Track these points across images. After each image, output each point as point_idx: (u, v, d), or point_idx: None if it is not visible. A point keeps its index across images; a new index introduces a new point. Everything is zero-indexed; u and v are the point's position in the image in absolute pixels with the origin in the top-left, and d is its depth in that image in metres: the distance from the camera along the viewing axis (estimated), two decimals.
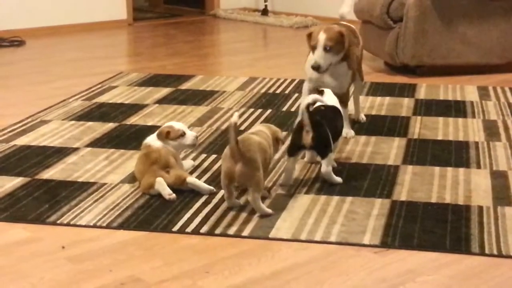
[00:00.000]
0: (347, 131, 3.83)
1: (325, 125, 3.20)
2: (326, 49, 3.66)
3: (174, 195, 3.04)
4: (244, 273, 2.49)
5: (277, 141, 3.15)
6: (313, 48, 3.69)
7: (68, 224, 2.86)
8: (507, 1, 5.31)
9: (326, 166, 3.19)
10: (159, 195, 3.07)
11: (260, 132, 3.09)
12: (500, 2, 5.31)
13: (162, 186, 3.07)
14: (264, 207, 2.92)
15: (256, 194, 2.89)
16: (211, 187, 3.14)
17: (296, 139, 3.19)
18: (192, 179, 3.13)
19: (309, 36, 3.74)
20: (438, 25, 5.28)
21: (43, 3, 7.40)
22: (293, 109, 4.45)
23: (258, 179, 2.88)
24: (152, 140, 3.30)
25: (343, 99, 3.73)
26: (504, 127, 4.09)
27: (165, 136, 3.29)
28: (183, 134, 3.33)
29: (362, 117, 4.18)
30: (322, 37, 3.66)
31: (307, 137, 3.16)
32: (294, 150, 3.20)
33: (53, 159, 3.58)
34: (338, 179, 3.23)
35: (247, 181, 2.89)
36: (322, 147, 3.18)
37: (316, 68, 3.67)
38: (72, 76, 5.48)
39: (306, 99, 3.20)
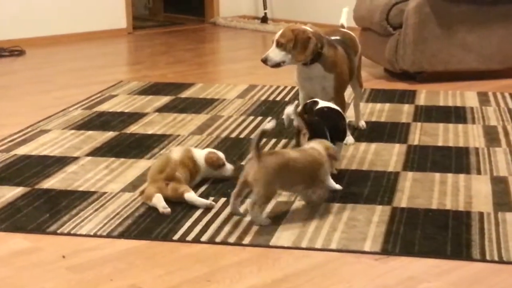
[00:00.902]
0: (346, 138, 3.82)
1: (323, 125, 3.20)
2: (278, 45, 3.61)
3: (168, 209, 3.02)
4: (245, 281, 2.48)
5: (329, 157, 3.07)
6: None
7: (68, 234, 2.86)
8: (506, 7, 5.32)
9: None
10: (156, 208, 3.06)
11: (310, 149, 3.03)
12: (500, 8, 5.31)
13: (158, 200, 3.06)
14: (264, 219, 2.90)
15: (255, 204, 2.88)
16: (208, 202, 3.10)
17: (296, 144, 3.19)
18: (189, 195, 3.09)
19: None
20: (438, 31, 5.28)
21: (43, 12, 7.41)
22: (293, 117, 4.44)
23: (263, 189, 2.86)
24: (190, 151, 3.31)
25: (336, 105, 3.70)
26: (504, 132, 4.09)
27: (211, 162, 3.32)
28: (223, 164, 3.37)
29: (362, 123, 4.19)
30: (277, 34, 3.63)
31: (304, 140, 3.16)
32: None
33: (53, 169, 3.58)
34: (337, 186, 3.23)
35: (254, 187, 2.88)
36: None
37: (263, 60, 3.64)
38: (72, 85, 5.49)
39: (291, 105, 3.20)
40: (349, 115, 4.03)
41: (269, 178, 2.87)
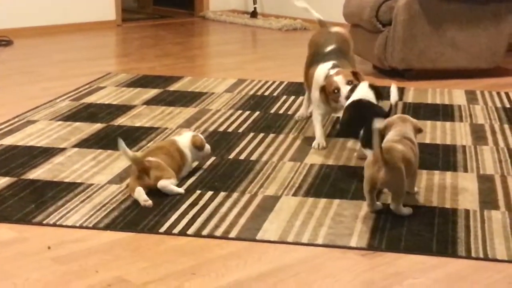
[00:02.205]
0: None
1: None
2: (348, 83, 3.61)
3: (149, 202, 3.01)
4: (230, 275, 2.48)
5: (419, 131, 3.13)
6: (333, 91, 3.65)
7: (54, 225, 2.85)
8: (496, 5, 5.33)
9: None
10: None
11: (404, 140, 3.02)
12: (490, 7, 5.33)
13: (139, 193, 3.05)
14: (404, 210, 2.93)
15: (395, 202, 2.91)
16: (180, 189, 3.14)
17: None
18: (162, 183, 3.11)
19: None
20: (427, 29, 5.29)
21: (31, 3, 7.36)
22: (281, 111, 4.45)
23: (400, 188, 2.89)
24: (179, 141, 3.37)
25: None
26: (491, 131, 4.10)
27: (198, 144, 3.41)
28: (205, 144, 3.47)
29: None
30: (340, 78, 3.63)
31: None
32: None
33: (39, 159, 3.56)
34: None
35: (389, 188, 2.91)
36: None
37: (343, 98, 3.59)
38: (60, 77, 5.46)
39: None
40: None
41: (400, 176, 2.87)
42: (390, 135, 3.06)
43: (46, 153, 3.65)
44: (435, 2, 5.27)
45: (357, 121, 3.35)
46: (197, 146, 3.40)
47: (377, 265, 2.56)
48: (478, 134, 4.04)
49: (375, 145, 2.85)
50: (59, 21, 7.55)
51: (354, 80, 3.63)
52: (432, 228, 2.83)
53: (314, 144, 3.76)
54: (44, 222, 2.87)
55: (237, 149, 3.72)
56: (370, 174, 2.88)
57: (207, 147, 3.48)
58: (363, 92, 3.47)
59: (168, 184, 3.12)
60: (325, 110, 3.81)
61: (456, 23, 5.33)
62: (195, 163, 3.45)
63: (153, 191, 3.08)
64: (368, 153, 3.18)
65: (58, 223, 2.86)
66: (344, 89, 3.58)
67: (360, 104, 3.43)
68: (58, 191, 3.16)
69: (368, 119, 3.11)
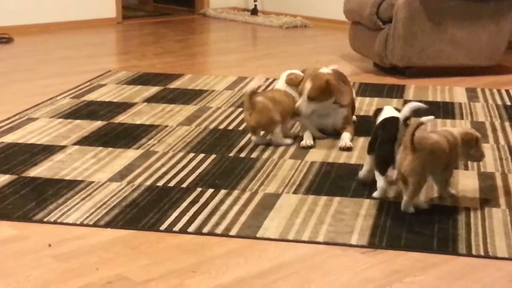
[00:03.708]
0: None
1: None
2: (309, 98, 3.72)
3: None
4: (231, 273, 2.48)
5: (463, 142, 3.04)
6: (300, 93, 3.77)
7: (55, 222, 2.85)
8: (497, 3, 5.33)
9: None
10: None
11: (444, 133, 3.02)
12: (490, 4, 5.32)
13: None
14: (411, 208, 2.93)
15: (408, 196, 2.91)
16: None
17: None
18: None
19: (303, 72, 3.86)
20: (428, 26, 5.29)
21: (31, 0, 7.36)
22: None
23: (418, 179, 2.88)
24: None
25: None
26: (492, 128, 4.10)
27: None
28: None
29: (353, 117, 4.18)
30: (307, 87, 3.72)
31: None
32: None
33: (40, 157, 3.56)
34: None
35: (410, 176, 2.90)
36: None
37: (297, 114, 3.75)
38: (60, 74, 5.46)
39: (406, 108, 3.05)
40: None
41: (424, 166, 2.87)
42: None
43: (46, 151, 3.65)
44: None
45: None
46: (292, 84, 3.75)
47: (377, 262, 2.57)
48: (479, 132, 4.01)
49: (409, 133, 2.85)
50: (60, 19, 7.55)
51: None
52: (432, 226, 2.83)
53: (302, 142, 3.76)
54: (45, 219, 2.87)
55: (238, 147, 3.72)
56: (398, 159, 2.91)
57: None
58: (391, 113, 3.25)
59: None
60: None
61: (456, 21, 5.32)
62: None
63: (155, 189, 3.08)
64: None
65: (58, 220, 2.86)
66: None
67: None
68: (59, 189, 3.16)
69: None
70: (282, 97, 3.77)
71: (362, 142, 3.83)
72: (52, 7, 7.50)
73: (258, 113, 3.65)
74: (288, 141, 3.75)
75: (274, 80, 5.20)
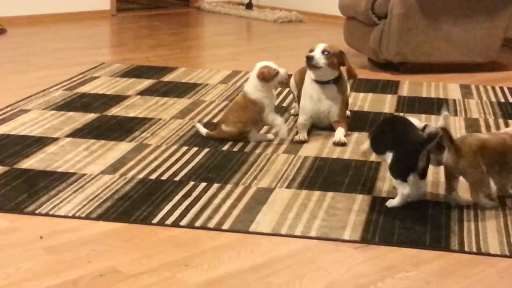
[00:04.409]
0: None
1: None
2: (323, 53, 3.78)
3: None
4: (223, 267, 2.48)
5: None
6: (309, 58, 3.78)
7: (46, 214, 2.84)
8: (491, 0, 5.33)
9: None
10: None
11: (498, 134, 3.04)
12: (485, 1, 5.32)
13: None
14: (486, 201, 2.96)
15: (473, 192, 2.95)
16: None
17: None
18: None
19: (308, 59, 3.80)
20: (423, 22, 5.28)
21: None
22: (275, 103, 4.42)
23: (474, 177, 2.91)
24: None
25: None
26: (485, 125, 4.10)
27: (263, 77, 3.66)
28: (277, 73, 3.66)
29: (347, 112, 4.18)
30: (321, 44, 3.83)
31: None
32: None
33: (32, 149, 3.55)
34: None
35: (464, 176, 2.93)
36: None
37: (309, 58, 3.75)
38: (54, 66, 5.44)
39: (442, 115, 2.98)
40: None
41: (472, 163, 2.88)
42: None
43: (39, 143, 3.64)
44: None
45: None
46: (263, 79, 3.65)
47: (369, 258, 2.56)
48: (473, 129, 4.04)
49: (447, 137, 2.88)
50: (53, 10, 7.51)
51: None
52: (425, 222, 2.83)
53: (295, 137, 3.76)
54: (37, 211, 2.86)
55: (231, 141, 3.71)
56: (446, 160, 2.93)
57: (281, 71, 3.68)
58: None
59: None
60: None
61: (451, 17, 5.32)
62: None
63: (148, 182, 3.07)
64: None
65: (50, 213, 2.85)
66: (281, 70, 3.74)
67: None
68: (51, 181, 3.15)
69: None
70: (246, 104, 3.70)
71: (356, 137, 3.82)
72: None
73: (227, 133, 3.69)
74: (270, 136, 3.74)
75: None
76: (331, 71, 3.82)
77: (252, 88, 3.69)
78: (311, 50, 3.80)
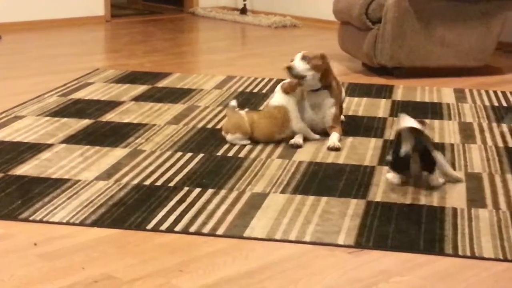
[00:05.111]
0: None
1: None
2: (302, 58, 3.73)
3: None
4: (218, 272, 2.47)
5: None
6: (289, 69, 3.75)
7: (40, 221, 2.83)
8: (486, 4, 5.34)
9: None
10: None
11: None
12: (479, 5, 5.34)
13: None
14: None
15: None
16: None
17: None
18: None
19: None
20: (417, 27, 5.30)
21: None
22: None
23: None
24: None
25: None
26: (479, 129, 4.11)
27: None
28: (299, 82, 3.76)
29: (341, 117, 4.18)
30: (300, 53, 3.78)
31: None
32: None
33: (26, 155, 3.54)
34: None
35: None
36: None
37: (289, 68, 3.71)
38: (48, 72, 5.44)
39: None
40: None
41: None
42: None
43: (33, 149, 3.63)
44: (424, 0, 5.28)
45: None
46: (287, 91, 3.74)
47: (364, 262, 2.56)
48: (467, 133, 4.04)
49: None
50: (48, 16, 7.51)
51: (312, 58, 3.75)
52: (419, 226, 2.83)
53: (291, 141, 3.76)
54: (31, 218, 2.85)
55: (226, 146, 3.72)
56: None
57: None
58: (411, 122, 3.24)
59: None
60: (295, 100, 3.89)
61: (445, 21, 5.34)
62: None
63: (143, 188, 3.07)
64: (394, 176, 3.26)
65: (44, 219, 2.84)
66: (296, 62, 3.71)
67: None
68: (45, 187, 3.14)
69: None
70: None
71: (350, 142, 3.83)
72: (41, 4, 7.47)
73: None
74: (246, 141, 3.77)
75: (262, 79, 5.20)
76: (318, 75, 3.76)
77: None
78: (292, 60, 3.78)
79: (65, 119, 4.15)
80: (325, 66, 3.80)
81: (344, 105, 4.52)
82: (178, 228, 2.79)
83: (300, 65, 3.73)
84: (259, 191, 3.15)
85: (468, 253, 2.63)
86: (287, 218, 2.88)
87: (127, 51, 6.46)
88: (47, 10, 7.50)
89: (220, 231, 2.76)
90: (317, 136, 3.82)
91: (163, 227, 2.79)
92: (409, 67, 5.40)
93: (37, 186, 3.15)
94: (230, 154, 3.61)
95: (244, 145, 3.70)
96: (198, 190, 3.14)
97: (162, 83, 5.07)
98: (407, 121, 3.19)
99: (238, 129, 3.72)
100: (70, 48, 6.50)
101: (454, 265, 2.56)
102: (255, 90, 4.91)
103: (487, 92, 4.97)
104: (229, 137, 3.75)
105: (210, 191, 3.13)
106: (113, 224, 2.81)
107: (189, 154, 3.59)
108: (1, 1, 7.21)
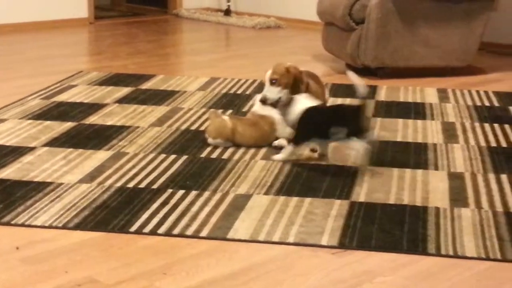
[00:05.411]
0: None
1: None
2: (272, 83, 3.63)
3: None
4: (202, 274, 2.47)
5: None
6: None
7: (23, 225, 2.82)
8: (469, 4, 5.37)
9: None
10: None
11: None
12: (462, 6, 5.36)
13: None
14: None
15: None
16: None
17: None
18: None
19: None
20: (400, 27, 5.31)
21: (3, 0, 7.29)
22: None
23: None
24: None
25: None
26: (462, 129, 4.13)
27: None
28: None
29: None
30: (268, 73, 3.66)
31: None
32: None
33: (9, 158, 3.52)
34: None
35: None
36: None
37: (263, 100, 3.64)
38: (31, 75, 5.41)
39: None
40: None
41: None
42: None
43: (15, 152, 3.61)
44: (408, 0, 5.30)
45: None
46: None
47: (347, 263, 2.57)
48: (449, 132, 4.06)
49: None
50: (31, 19, 7.48)
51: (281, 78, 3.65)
52: (402, 226, 2.84)
53: (274, 142, 3.76)
54: (13, 222, 2.84)
55: (209, 148, 3.71)
56: None
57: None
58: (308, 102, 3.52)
59: None
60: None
61: (429, 22, 5.36)
62: None
63: (126, 190, 3.06)
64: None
65: (27, 223, 2.83)
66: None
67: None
68: (28, 191, 3.13)
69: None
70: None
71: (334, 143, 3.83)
72: (24, 7, 7.43)
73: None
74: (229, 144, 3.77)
75: (246, 81, 5.20)
76: (289, 89, 3.64)
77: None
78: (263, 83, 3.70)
79: (48, 122, 4.13)
80: (292, 76, 3.66)
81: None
82: (161, 230, 2.78)
83: (272, 93, 3.61)
84: (242, 192, 3.14)
85: (451, 253, 2.64)
86: (271, 219, 2.88)
87: (111, 53, 6.44)
88: (30, 12, 7.47)
89: (203, 233, 2.76)
90: None
91: (147, 229, 2.79)
92: (392, 68, 5.42)
93: (19, 190, 3.14)
94: (214, 155, 3.61)
95: (227, 147, 3.70)
96: (181, 192, 3.13)
97: (146, 85, 5.06)
98: (304, 102, 3.49)
99: (220, 135, 3.72)
100: (54, 50, 6.47)
101: (437, 264, 2.57)
102: (239, 92, 4.91)
103: (469, 92, 4.99)
104: (210, 140, 3.74)
105: (193, 193, 3.13)
106: (96, 227, 2.80)
107: (172, 156, 3.58)
108: None
